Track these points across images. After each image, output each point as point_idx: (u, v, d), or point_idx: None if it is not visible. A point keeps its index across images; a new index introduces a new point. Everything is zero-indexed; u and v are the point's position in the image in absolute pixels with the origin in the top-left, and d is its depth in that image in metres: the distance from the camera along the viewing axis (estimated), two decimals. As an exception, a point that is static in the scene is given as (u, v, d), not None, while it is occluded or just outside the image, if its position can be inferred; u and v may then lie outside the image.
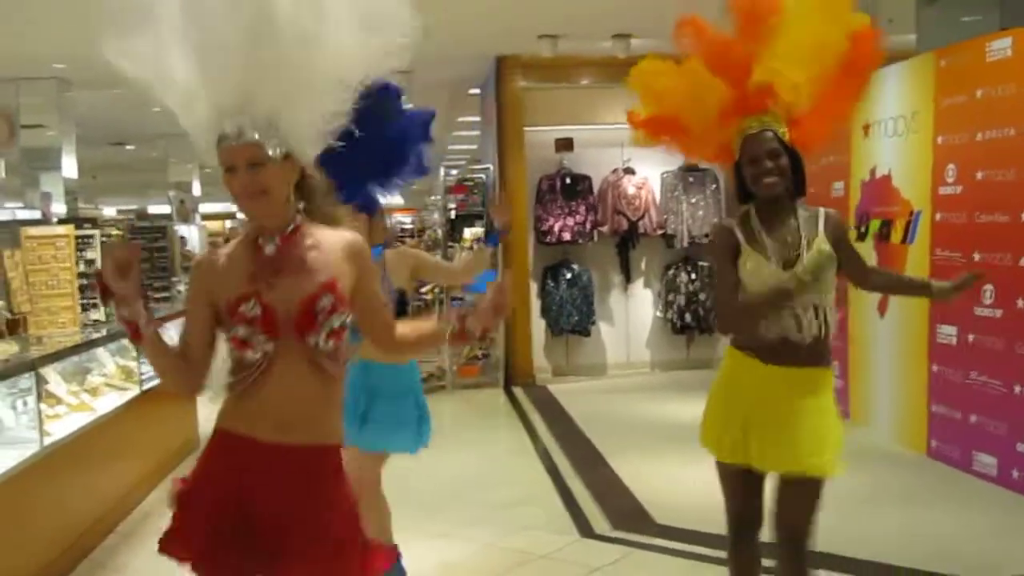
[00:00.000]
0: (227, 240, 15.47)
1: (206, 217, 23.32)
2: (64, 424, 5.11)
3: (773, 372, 3.14)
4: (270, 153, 2.31)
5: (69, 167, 13.21)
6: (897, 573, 4.47)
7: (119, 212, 27.31)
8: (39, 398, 4.73)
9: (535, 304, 10.47)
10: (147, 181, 26.47)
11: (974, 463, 6.06)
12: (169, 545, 2.44)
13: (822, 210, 3.25)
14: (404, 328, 2.63)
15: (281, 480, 2.37)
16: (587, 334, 10.54)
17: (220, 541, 2.35)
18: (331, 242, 2.44)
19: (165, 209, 22.43)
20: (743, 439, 3.18)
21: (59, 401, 5.31)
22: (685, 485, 6.17)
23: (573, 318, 10.33)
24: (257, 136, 2.29)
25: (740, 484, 3.30)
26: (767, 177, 3.10)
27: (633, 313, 10.90)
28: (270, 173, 2.32)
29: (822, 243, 3.15)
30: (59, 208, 12.80)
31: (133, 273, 2.27)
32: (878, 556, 4.63)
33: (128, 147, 19.99)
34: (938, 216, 6.44)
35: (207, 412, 8.04)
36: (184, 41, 2.30)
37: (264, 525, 2.35)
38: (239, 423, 2.41)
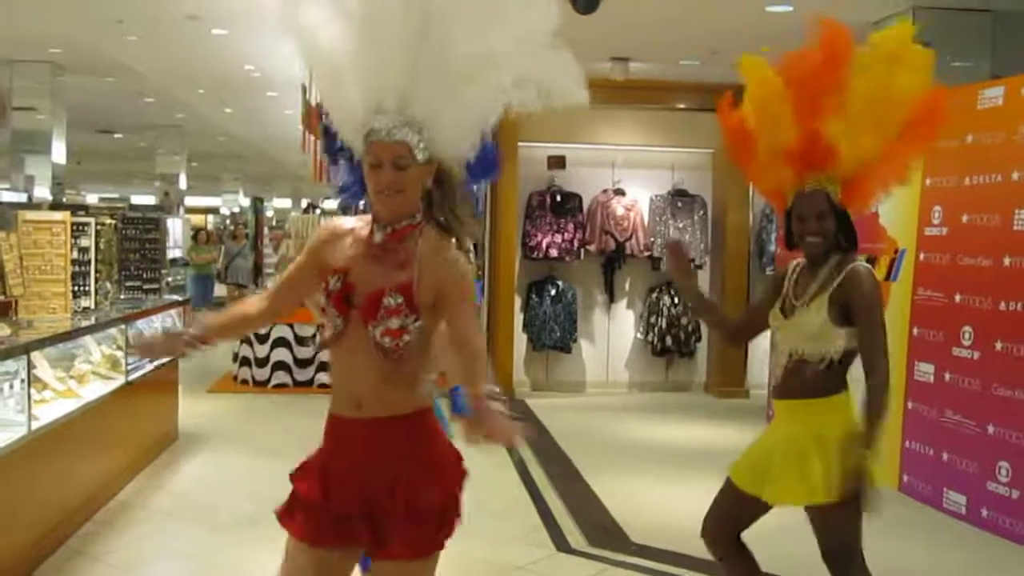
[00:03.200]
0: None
1: (190, 210, 23.29)
2: (50, 409, 5.13)
3: (780, 405, 3.37)
4: (417, 156, 2.42)
5: (58, 152, 13.20)
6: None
7: (101, 200, 27.20)
8: (28, 382, 4.75)
9: (518, 318, 10.54)
10: (132, 171, 26.39)
11: (944, 500, 6.17)
12: (281, 519, 2.61)
13: (850, 267, 3.27)
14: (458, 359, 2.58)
15: (361, 450, 2.52)
16: (568, 351, 10.62)
17: (316, 516, 2.52)
18: (431, 250, 2.51)
19: (149, 200, 22.38)
20: (760, 469, 3.33)
21: (46, 386, 5.33)
22: (661, 505, 6.26)
23: (555, 334, 10.40)
24: (407, 137, 2.40)
25: (726, 500, 3.46)
26: (810, 237, 3.27)
27: (615, 333, 10.99)
28: (411, 174, 2.43)
29: (822, 300, 3.25)
30: (42, 192, 12.78)
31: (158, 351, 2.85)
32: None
33: (116, 135, 19.93)
34: (922, 256, 6.56)
35: (188, 405, 8.07)
36: (353, 31, 2.42)
37: (356, 495, 2.50)
38: (335, 404, 2.59)
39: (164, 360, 7.06)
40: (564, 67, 2.49)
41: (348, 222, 2.64)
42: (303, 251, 2.72)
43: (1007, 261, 5.74)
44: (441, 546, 2.55)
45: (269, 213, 31.06)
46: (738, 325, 3.79)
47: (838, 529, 3.27)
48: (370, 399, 2.50)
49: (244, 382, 10.37)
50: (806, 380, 3.28)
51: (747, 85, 3.51)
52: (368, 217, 2.58)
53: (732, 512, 3.46)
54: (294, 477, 2.65)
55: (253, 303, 2.78)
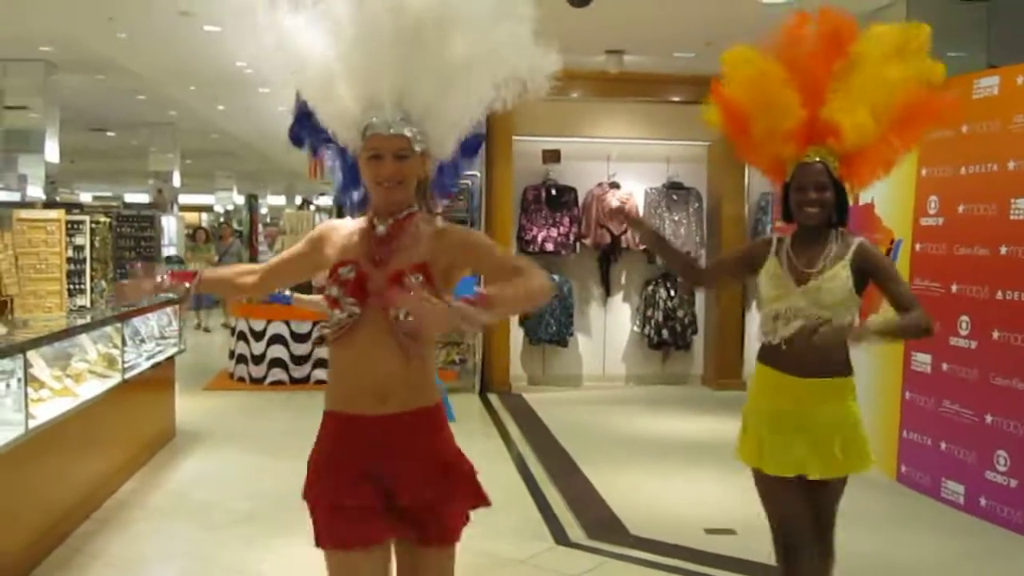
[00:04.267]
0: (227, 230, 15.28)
1: (184, 208, 23.23)
2: (47, 408, 5.10)
3: (792, 383, 3.35)
4: (415, 148, 2.52)
5: (51, 151, 13.15)
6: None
7: (95, 199, 27.13)
8: (25, 381, 4.73)
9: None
10: (125, 169, 26.33)
11: (943, 490, 6.18)
12: (320, 539, 2.57)
13: (857, 240, 3.39)
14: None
15: (387, 446, 2.54)
16: (564, 345, 10.62)
17: (348, 516, 2.50)
18: (432, 231, 2.60)
19: (142, 198, 22.33)
20: (785, 445, 3.34)
21: (43, 385, 5.30)
22: (659, 497, 6.27)
23: (551, 328, 10.40)
24: (406, 130, 2.50)
25: (788, 493, 3.37)
26: (810, 207, 3.33)
27: (611, 326, 11.00)
28: (410, 165, 2.54)
29: (842, 268, 3.30)
30: (36, 192, 12.74)
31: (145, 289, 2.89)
32: (848, 576, 4.71)
33: (109, 133, 19.88)
34: (918, 246, 6.56)
35: (185, 403, 8.07)
36: (342, 31, 2.52)
37: (386, 488, 2.52)
38: (341, 403, 2.58)
39: (160, 358, 7.05)
40: (547, 61, 2.63)
41: (347, 223, 2.72)
42: (302, 240, 2.80)
43: (1004, 250, 5.74)
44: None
45: (264, 210, 31.04)
46: (705, 270, 4.13)
47: (837, 499, 3.41)
48: (396, 390, 2.52)
49: (240, 379, 10.36)
50: (825, 359, 3.31)
51: (738, 71, 3.52)
52: (363, 219, 2.66)
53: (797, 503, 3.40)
54: (313, 495, 2.61)
55: (246, 274, 2.93)
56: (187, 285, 2.87)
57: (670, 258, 3.88)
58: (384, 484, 2.52)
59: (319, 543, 2.55)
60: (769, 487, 3.42)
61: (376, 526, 2.50)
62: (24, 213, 6.15)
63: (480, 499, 2.66)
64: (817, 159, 3.32)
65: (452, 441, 2.68)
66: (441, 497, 2.55)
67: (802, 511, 3.38)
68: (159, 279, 2.88)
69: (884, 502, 6.11)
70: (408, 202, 2.59)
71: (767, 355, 3.46)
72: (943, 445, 6.22)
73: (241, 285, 2.91)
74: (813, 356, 3.29)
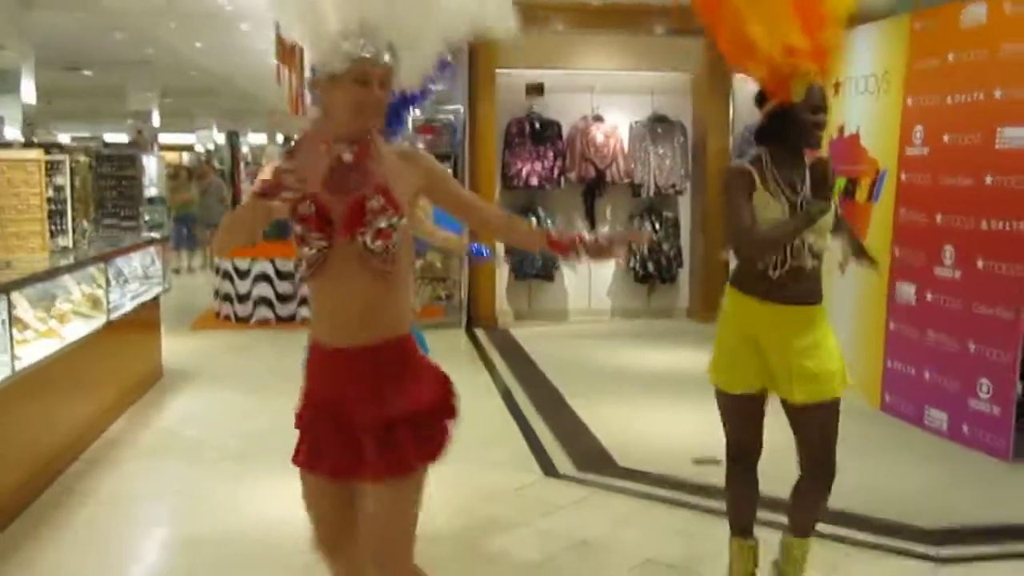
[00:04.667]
0: (205, 168, 15.01)
1: (164, 148, 23.00)
2: (33, 350, 5.09)
3: (774, 310, 3.34)
4: (393, 77, 2.56)
5: (28, 91, 12.96)
6: (852, 520, 4.63)
7: (73, 140, 26.81)
8: (9, 323, 4.70)
9: (500, 248, 10.51)
10: (103, 108, 25.99)
11: (926, 418, 6.25)
12: (296, 458, 2.66)
13: (816, 157, 3.43)
14: (513, 219, 2.87)
15: (359, 379, 2.54)
16: (550, 279, 10.63)
17: (323, 449, 2.57)
18: (389, 152, 2.61)
19: (122, 138, 22.07)
20: (758, 369, 3.37)
21: (27, 327, 5.28)
22: (646, 430, 6.33)
23: (537, 263, 10.40)
24: (390, 59, 2.51)
25: (746, 414, 3.46)
26: (821, 130, 3.31)
27: (596, 261, 10.98)
28: (387, 93, 2.55)
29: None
30: (13, 133, 12.58)
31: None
32: (834, 504, 4.75)
33: (86, 73, 19.58)
34: (903, 176, 6.55)
35: (172, 343, 8.06)
36: None
37: (355, 421, 2.53)
38: (322, 335, 2.59)
39: (145, 298, 7.02)
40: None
41: (291, 159, 2.57)
42: None
43: (989, 180, 5.74)
44: (427, 462, 2.59)
45: (245, 149, 30.72)
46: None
47: (828, 423, 3.43)
48: (367, 320, 2.52)
49: (227, 318, 10.35)
50: (813, 283, 3.36)
51: None
52: (305, 148, 2.58)
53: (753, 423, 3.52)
54: (302, 424, 2.67)
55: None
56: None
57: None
58: (360, 411, 2.53)
59: (293, 460, 2.65)
60: (734, 405, 3.48)
61: (348, 460, 2.54)
62: (3, 153, 6.08)
63: (452, 409, 2.65)
64: (818, 81, 3.28)
65: (428, 361, 2.69)
66: (417, 409, 2.55)
67: (757, 433, 3.50)
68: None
69: (868, 431, 6.17)
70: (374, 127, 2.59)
71: (748, 283, 3.41)
72: (927, 374, 6.28)
73: (251, 236, 2.61)
74: (797, 286, 3.32)
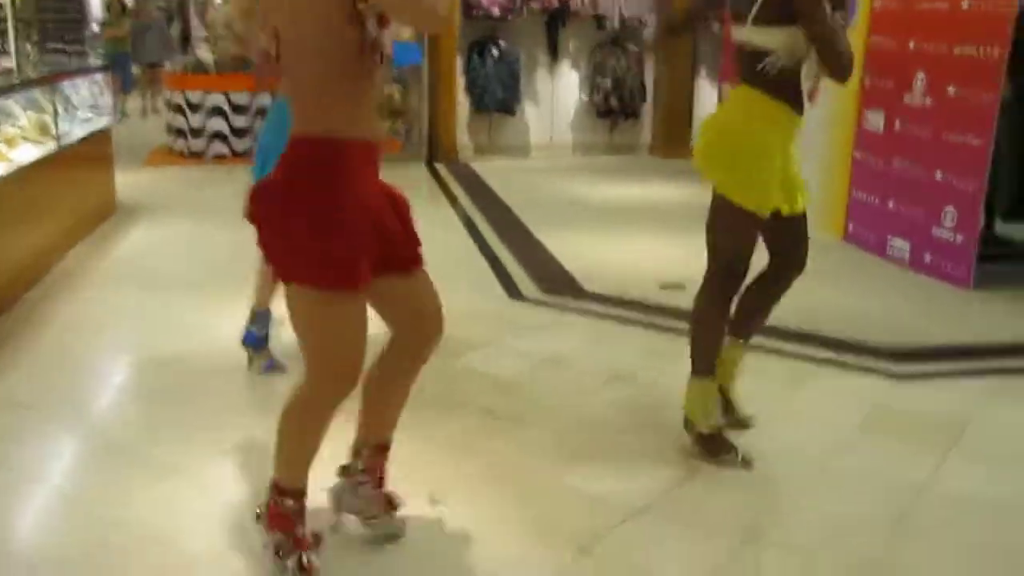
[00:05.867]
0: None
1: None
2: (-21, 172, 4.91)
3: (799, 121, 3.29)
4: None
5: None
6: (814, 339, 4.68)
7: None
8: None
9: (460, 80, 10.26)
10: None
11: (889, 248, 6.28)
12: (362, 278, 2.40)
13: None
14: None
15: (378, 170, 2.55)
16: (512, 113, 10.43)
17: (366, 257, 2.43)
18: None
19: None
20: (778, 186, 3.32)
21: (-28, 149, 5.08)
22: (611, 258, 6.32)
23: (498, 95, 10.17)
24: None
25: (758, 231, 3.39)
26: None
27: (559, 94, 10.79)
28: None
29: None
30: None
31: None
32: (798, 324, 4.79)
33: None
34: (876, 1, 6.40)
35: (125, 179, 7.86)
36: None
37: (383, 215, 2.52)
38: (364, 131, 2.44)
39: (95, 128, 6.78)
40: None
41: None
42: None
43: (965, 4, 5.62)
44: None
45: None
46: None
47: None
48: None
49: (181, 154, 10.08)
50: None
51: None
52: None
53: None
54: (359, 236, 2.39)
55: None
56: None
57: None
58: (381, 202, 2.54)
59: (360, 282, 2.38)
60: (756, 224, 3.34)
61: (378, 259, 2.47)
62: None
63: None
64: None
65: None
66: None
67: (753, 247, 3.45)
68: None
69: (832, 260, 6.19)
70: None
71: (795, 97, 3.25)
72: (891, 203, 6.28)
73: None
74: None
